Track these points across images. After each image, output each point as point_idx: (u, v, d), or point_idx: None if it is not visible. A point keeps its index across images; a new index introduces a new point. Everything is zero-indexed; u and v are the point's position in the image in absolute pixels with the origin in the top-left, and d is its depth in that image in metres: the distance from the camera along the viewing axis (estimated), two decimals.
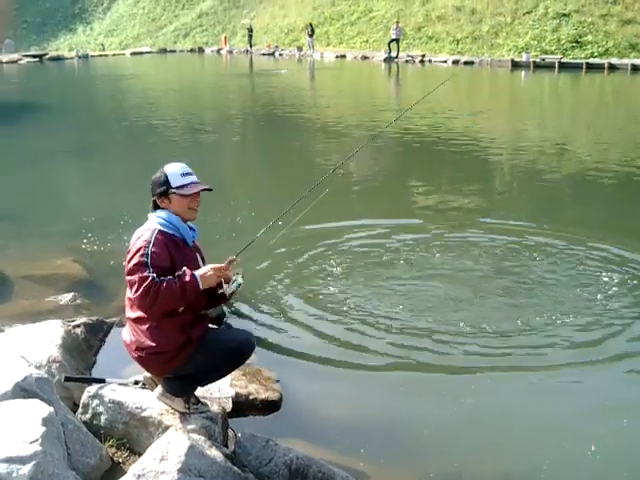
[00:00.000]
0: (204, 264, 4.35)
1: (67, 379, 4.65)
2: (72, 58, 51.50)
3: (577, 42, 32.78)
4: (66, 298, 6.72)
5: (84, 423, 4.26)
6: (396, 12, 42.33)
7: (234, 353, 4.33)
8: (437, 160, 14.16)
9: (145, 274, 3.91)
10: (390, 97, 26.50)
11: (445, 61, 35.75)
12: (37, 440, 3.34)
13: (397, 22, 38.73)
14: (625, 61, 30.02)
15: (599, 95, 25.93)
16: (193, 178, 4.28)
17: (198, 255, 4.40)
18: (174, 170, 4.26)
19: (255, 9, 56.30)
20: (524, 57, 32.75)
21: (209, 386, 4.73)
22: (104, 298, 6.91)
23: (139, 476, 3.58)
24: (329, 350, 5.82)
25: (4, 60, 48.43)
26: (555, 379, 5.37)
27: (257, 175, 13.71)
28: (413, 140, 15.74)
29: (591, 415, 4.95)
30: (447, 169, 13.50)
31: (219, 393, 4.87)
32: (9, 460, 3.20)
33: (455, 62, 35.16)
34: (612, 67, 29.88)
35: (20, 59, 49.39)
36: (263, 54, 47.92)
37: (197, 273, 4.03)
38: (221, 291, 4.20)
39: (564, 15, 34.34)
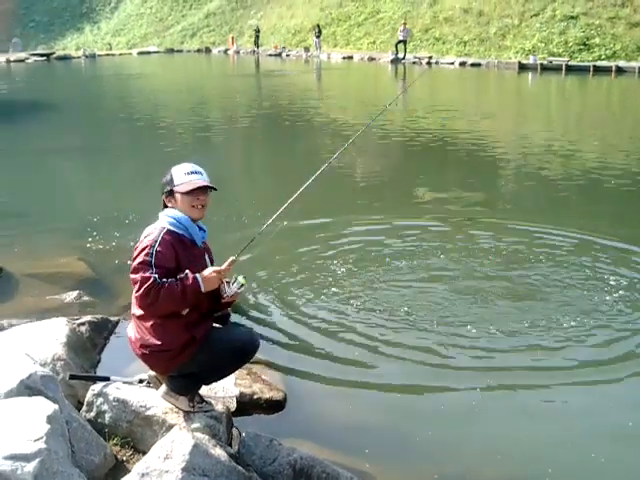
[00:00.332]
0: (212, 265, 4.35)
1: (72, 377, 4.65)
2: (79, 57, 51.64)
3: (585, 45, 32.70)
4: (71, 296, 6.73)
5: (88, 421, 4.26)
6: (403, 13, 42.32)
7: (238, 352, 4.32)
8: (442, 160, 14.15)
9: (147, 274, 3.91)
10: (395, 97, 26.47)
11: (452, 63, 35.71)
12: (42, 438, 3.33)
13: (404, 23, 38.71)
14: (633, 64, 29.92)
15: (606, 98, 25.88)
16: (198, 177, 4.26)
17: (207, 255, 4.40)
18: (180, 169, 4.27)
19: (262, 10, 56.33)
20: (531, 59, 32.67)
21: (213, 385, 4.72)
22: (109, 296, 6.91)
23: (143, 475, 3.57)
24: (334, 350, 5.81)
25: (11, 59, 48.56)
26: (561, 382, 5.35)
27: (259, 173, 13.72)
28: (419, 140, 15.70)
29: (599, 428, 4.94)
30: (452, 169, 13.48)
31: (223, 392, 4.87)
32: (14, 457, 3.20)
33: (462, 64, 35.11)
34: (620, 70, 29.79)
35: (27, 58, 49.59)
36: (270, 55, 47.93)
37: (199, 276, 4.02)
38: (225, 294, 4.21)
39: (572, 18, 34.26)
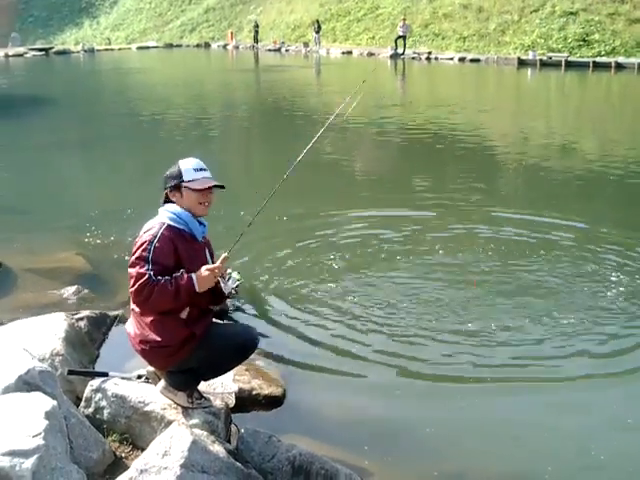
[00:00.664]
0: (212, 259, 4.34)
1: (70, 372, 4.65)
2: (78, 52, 51.51)
3: (584, 41, 32.66)
4: (69, 291, 6.72)
5: (87, 417, 4.25)
6: (403, 9, 42.26)
7: (239, 349, 4.32)
8: (442, 155, 14.12)
9: (143, 270, 3.91)
10: (393, 93, 26.46)
11: (451, 58, 35.66)
12: (40, 434, 3.33)
13: (404, 19, 38.66)
14: (632, 60, 29.86)
15: (606, 94, 25.86)
16: (206, 174, 4.26)
17: (207, 250, 4.39)
18: (188, 164, 4.24)
19: (262, 5, 56.24)
20: (531, 55, 32.64)
21: (212, 381, 4.72)
22: (108, 291, 6.90)
23: (142, 471, 3.56)
24: (333, 347, 5.80)
25: (10, 53, 48.47)
26: (563, 378, 5.34)
27: (253, 166, 13.73)
28: (417, 135, 15.69)
29: (599, 425, 4.93)
30: (452, 164, 13.44)
31: (222, 388, 4.86)
32: (12, 453, 3.19)
33: (461, 59, 35.05)
34: (619, 66, 29.74)
35: (26, 53, 49.50)
36: (269, 50, 47.86)
37: (194, 275, 3.99)
38: (225, 291, 4.20)
39: (571, 13, 34.22)
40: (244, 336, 4.38)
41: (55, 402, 3.62)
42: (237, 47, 51.85)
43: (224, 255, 4.23)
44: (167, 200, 4.26)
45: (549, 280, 7.01)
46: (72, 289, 6.74)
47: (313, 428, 4.75)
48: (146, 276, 3.89)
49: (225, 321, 4.61)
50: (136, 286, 3.90)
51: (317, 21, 44.91)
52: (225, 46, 53.03)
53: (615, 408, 5.02)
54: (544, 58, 32.23)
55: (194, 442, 3.74)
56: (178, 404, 4.29)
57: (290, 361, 5.60)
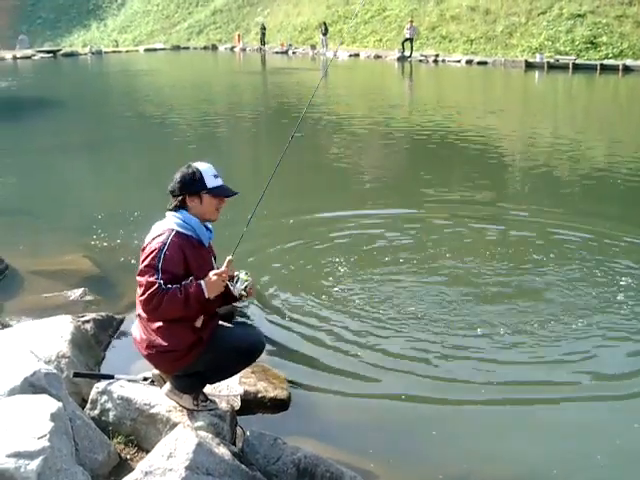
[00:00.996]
0: (215, 263, 4.35)
1: (76, 375, 4.65)
2: (85, 54, 51.63)
3: (592, 43, 32.56)
4: (76, 294, 6.73)
5: (92, 419, 4.26)
6: (410, 11, 42.21)
7: (245, 352, 4.33)
8: (449, 157, 14.11)
9: (152, 279, 3.89)
10: (402, 96, 26.47)
11: (459, 61, 35.61)
12: (45, 435, 3.33)
13: (411, 21, 38.62)
14: None
15: (613, 96, 25.79)
16: (221, 180, 4.27)
17: (212, 256, 4.40)
18: (207, 170, 4.21)
19: (269, 7, 56.25)
20: (538, 58, 32.55)
21: (218, 383, 4.72)
22: (114, 294, 6.92)
23: (147, 473, 3.57)
24: (338, 349, 5.80)
25: (18, 55, 48.60)
26: (566, 382, 5.34)
27: (258, 168, 13.73)
28: (425, 137, 15.67)
29: (605, 427, 4.92)
30: (459, 166, 13.43)
31: (228, 391, 4.87)
32: (17, 455, 3.20)
33: (468, 62, 34.99)
34: (627, 69, 29.62)
35: (34, 55, 49.61)
36: (276, 52, 47.83)
37: (203, 282, 3.99)
38: (236, 294, 4.22)
39: (579, 16, 34.13)
40: (250, 340, 4.38)
41: (61, 404, 3.63)
42: (244, 49, 51.85)
43: (229, 258, 4.24)
44: (181, 204, 4.20)
45: (557, 283, 6.98)
46: (78, 291, 6.76)
47: (318, 431, 4.75)
48: (156, 285, 3.87)
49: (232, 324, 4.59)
50: (146, 295, 3.89)
51: (324, 23, 44.90)
52: (232, 48, 53.02)
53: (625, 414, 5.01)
54: (551, 61, 32.14)
55: (199, 444, 3.74)
56: (183, 407, 4.29)
57: (296, 364, 5.61)
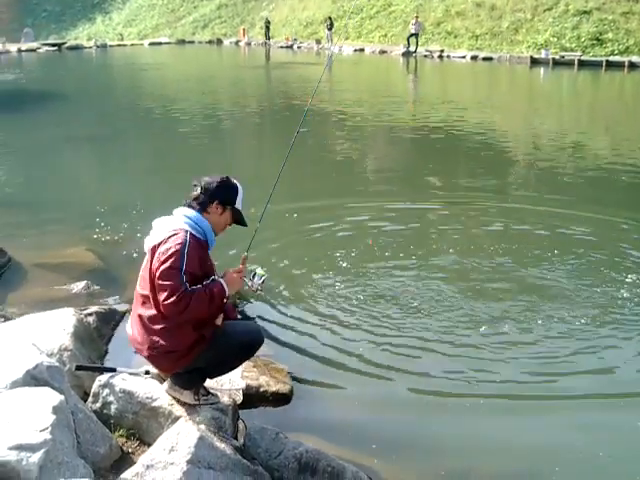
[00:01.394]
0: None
1: (78, 368, 4.65)
2: (90, 48, 51.66)
3: (597, 40, 32.49)
4: (79, 286, 6.73)
5: (94, 412, 4.26)
6: (415, 7, 42.17)
7: (246, 346, 4.35)
8: (453, 152, 14.11)
9: (178, 282, 3.86)
10: (406, 91, 26.43)
11: (464, 57, 35.57)
12: (47, 428, 3.33)
13: (416, 17, 38.59)
14: None
15: (619, 93, 25.72)
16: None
17: None
18: (241, 192, 4.34)
19: (274, 1, 56.20)
20: (543, 54, 32.50)
21: (220, 377, 4.72)
22: (116, 287, 6.91)
23: (148, 466, 3.57)
24: (341, 344, 5.79)
25: (23, 48, 48.63)
26: (571, 376, 5.33)
27: (264, 164, 13.72)
28: (429, 131, 15.65)
29: (604, 427, 4.90)
30: (464, 160, 13.43)
31: (230, 385, 4.86)
32: (19, 447, 3.20)
33: (474, 58, 34.95)
34: (633, 65, 29.58)
35: (39, 48, 49.64)
36: (281, 47, 47.82)
37: (222, 280, 4.05)
38: (253, 289, 4.29)
39: (585, 12, 34.07)
40: (250, 334, 4.40)
41: (63, 397, 3.63)
42: (249, 44, 51.82)
43: (244, 255, 4.34)
44: (203, 206, 4.23)
45: (562, 279, 6.97)
46: (81, 284, 6.76)
47: (320, 425, 4.74)
48: (182, 288, 3.85)
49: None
50: (173, 298, 3.84)
51: (329, 18, 44.85)
52: (237, 42, 53.00)
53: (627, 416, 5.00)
54: (557, 57, 32.10)
55: (201, 438, 3.74)
56: (185, 402, 4.29)
57: (298, 358, 5.60)
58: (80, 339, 5.13)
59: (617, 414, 4.94)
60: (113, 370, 4.60)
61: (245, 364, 4.74)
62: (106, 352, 5.54)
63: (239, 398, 4.77)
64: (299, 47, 46.93)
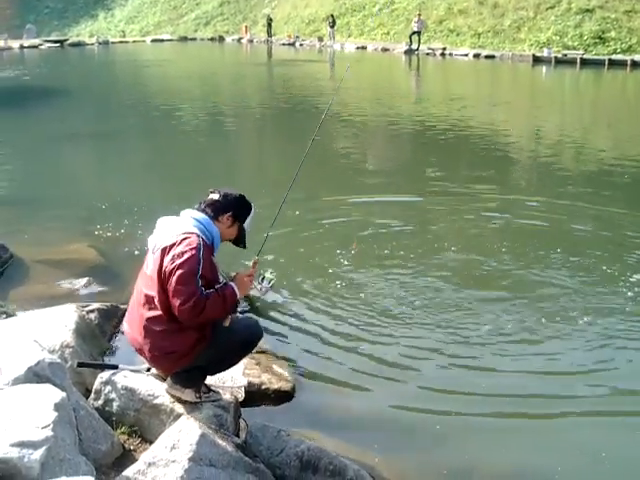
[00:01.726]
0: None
1: (80, 365, 4.64)
2: (92, 44, 51.61)
3: (600, 38, 32.40)
4: (80, 283, 6.73)
5: (96, 409, 4.25)
6: (418, 5, 42.10)
7: (246, 343, 4.37)
8: (455, 149, 14.08)
9: (194, 287, 3.89)
10: (408, 88, 26.41)
11: (466, 55, 35.52)
12: (49, 425, 3.32)
13: (419, 14, 38.54)
14: None
15: (621, 91, 25.69)
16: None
17: None
18: (252, 213, 4.42)
19: None
20: (545, 52, 32.42)
21: (222, 375, 4.72)
22: (119, 284, 6.90)
23: (150, 464, 3.57)
24: (344, 342, 5.78)
25: (25, 45, 48.62)
26: (572, 380, 5.32)
27: (267, 163, 13.70)
28: (431, 129, 15.65)
29: (604, 427, 4.91)
30: (465, 158, 13.39)
31: (232, 382, 4.86)
32: (21, 444, 3.19)
33: (476, 56, 34.89)
34: (635, 64, 29.47)
35: (41, 44, 49.65)
36: (283, 44, 47.75)
37: (232, 283, 4.10)
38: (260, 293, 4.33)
39: (587, 11, 33.98)
40: (250, 328, 4.42)
41: (64, 394, 3.62)
42: (251, 41, 51.75)
43: (255, 258, 4.43)
44: (216, 213, 4.26)
45: (565, 280, 6.93)
46: (83, 281, 6.76)
47: (322, 423, 4.74)
48: (199, 293, 3.88)
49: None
50: (190, 303, 3.85)
51: (332, 16, 44.82)
52: (239, 40, 52.92)
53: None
54: (559, 55, 32.00)
55: (203, 436, 3.74)
56: (186, 401, 4.28)
57: (300, 356, 5.59)
58: (82, 336, 5.13)
59: (620, 414, 4.93)
60: (115, 367, 4.59)
61: (247, 361, 4.74)
62: (108, 349, 5.53)
63: (241, 396, 4.77)
64: (301, 44, 46.88)
